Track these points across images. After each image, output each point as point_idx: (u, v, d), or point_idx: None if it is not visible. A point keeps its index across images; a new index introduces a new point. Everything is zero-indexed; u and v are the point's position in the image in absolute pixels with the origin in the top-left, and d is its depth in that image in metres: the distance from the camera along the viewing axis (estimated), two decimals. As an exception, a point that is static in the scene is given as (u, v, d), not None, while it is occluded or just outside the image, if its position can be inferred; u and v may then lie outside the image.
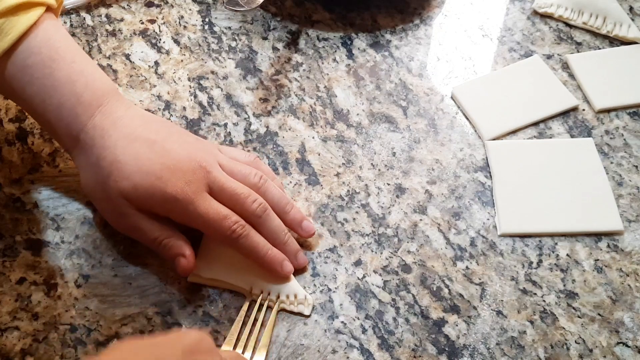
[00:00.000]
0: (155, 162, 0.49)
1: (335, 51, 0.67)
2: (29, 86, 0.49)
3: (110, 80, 0.53)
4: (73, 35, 0.66)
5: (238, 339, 0.48)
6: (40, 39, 0.49)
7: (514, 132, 0.61)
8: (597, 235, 0.55)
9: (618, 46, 0.68)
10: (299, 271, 0.52)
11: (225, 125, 0.61)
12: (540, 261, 0.54)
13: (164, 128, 0.52)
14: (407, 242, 0.54)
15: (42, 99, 0.49)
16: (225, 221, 0.49)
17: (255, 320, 0.49)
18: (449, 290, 0.52)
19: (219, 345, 0.48)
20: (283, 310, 0.50)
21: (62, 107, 0.49)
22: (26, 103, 0.51)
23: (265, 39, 0.67)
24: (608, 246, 0.55)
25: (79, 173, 0.56)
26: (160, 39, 0.66)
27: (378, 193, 0.57)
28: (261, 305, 0.50)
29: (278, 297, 0.50)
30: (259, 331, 0.49)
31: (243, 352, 0.48)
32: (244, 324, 0.49)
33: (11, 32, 0.48)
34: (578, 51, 0.68)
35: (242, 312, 0.50)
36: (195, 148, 0.51)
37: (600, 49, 0.68)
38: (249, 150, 0.59)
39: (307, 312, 0.50)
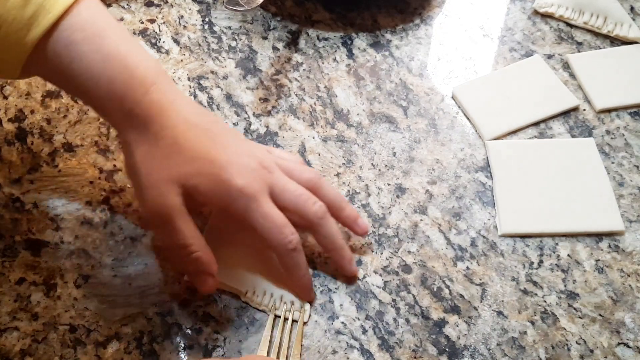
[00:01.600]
0: (219, 152, 0.48)
1: (336, 51, 0.67)
2: (76, 62, 0.47)
3: (158, 62, 0.51)
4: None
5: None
6: (83, 16, 0.47)
7: (514, 132, 0.61)
8: (598, 236, 0.55)
9: (619, 46, 0.68)
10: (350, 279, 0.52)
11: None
12: (541, 261, 0.54)
13: (217, 122, 0.51)
14: (408, 243, 0.54)
15: (92, 75, 0.47)
16: (285, 229, 0.48)
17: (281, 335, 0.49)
18: (450, 290, 0.52)
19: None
20: (278, 316, 0.50)
21: (115, 81, 0.47)
22: (72, 81, 0.48)
23: (265, 38, 0.67)
24: (609, 246, 0.55)
25: (79, 173, 0.56)
26: (160, 39, 0.66)
27: (378, 193, 0.57)
28: (278, 317, 0.50)
29: (274, 302, 0.50)
30: (288, 346, 0.49)
31: None
32: (270, 340, 0.49)
33: (52, 10, 0.46)
34: (579, 51, 0.67)
35: (267, 331, 0.49)
36: (252, 146, 0.51)
37: (601, 48, 0.68)
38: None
39: (304, 320, 0.50)
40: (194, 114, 0.49)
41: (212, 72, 0.64)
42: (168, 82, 0.50)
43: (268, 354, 0.48)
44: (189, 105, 0.50)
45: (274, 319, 0.50)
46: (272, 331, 0.49)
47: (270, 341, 0.49)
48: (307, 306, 0.50)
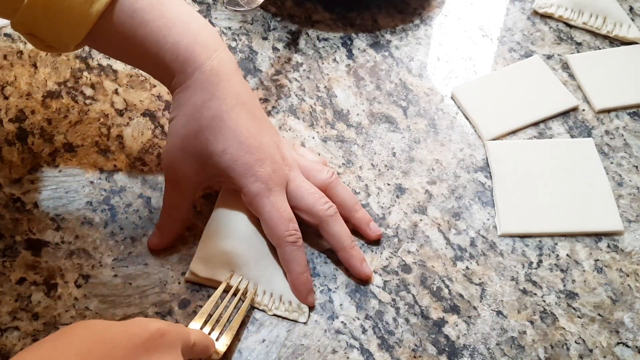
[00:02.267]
0: (253, 136, 0.50)
1: (335, 51, 0.67)
2: (141, 29, 0.49)
3: (216, 30, 0.52)
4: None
5: (210, 318, 0.48)
6: None
7: (514, 132, 0.61)
8: (597, 236, 0.55)
9: (618, 46, 0.68)
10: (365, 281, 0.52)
11: (225, 125, 0.61)
12: (540, 261, 0.54)
13: (260, 108, 0.53)
14: (407, 242, 0.54)
15: (156, 40, 0.49)
16: (288, 223, 0.50)
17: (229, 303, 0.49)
18: (449, 290, 0.52)
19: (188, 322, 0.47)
20: (277, 316, 0.50)
21: (179, 45, 0.49)
22: (136, 48, 0.49)
23: (265, 39, 0.67)
24: (608, 246, 0.55)
25: (78, 173, 0.56)
26: (160, 39, 0.66)
27: (378, 193, 0.57)
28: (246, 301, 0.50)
29: (273, 301, 0.50)
30: (230, 314, 0.49)
31: (210, 333, 0.47)
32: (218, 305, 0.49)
33: None
34: (578, 51, 0.68)
35: (218, 292, 0.49)
36: (282, 140, 0.53)
37: (600, 49, 0.68)
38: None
39: (302, 320, 0.50)
40: (244, 92, 0.51)
41: (212, 72, 0.64)
42: (228, 51, 0.51)
43: (204, 325, 0.48)
44: (243, 82, 0.51)
45: (221, 294, 0.50)
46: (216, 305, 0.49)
47: (211, 315, 0.48)
48: (305, 307, 0.50)
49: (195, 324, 0.47)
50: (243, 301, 0.50)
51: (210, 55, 0.49)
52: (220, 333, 0.48)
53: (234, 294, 0.50)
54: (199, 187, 0.54)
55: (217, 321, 0.48)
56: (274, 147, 0.51)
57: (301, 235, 0.50)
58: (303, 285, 0.50)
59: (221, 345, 0.47)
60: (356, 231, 0.54)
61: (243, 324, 0.49)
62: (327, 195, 0.52)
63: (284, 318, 0.50)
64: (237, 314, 0.49)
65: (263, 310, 0.50)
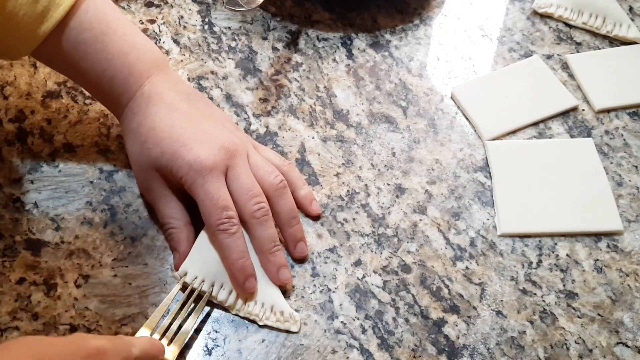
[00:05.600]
0: (187, 131, 0.50)
1: (335, 51, 0.67)
2: (82, 61, 0.51)
3: (160, 52, 0.55)
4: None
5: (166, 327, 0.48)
6: (91, 14, 0.51)
7: (513, 132, 0.61)
8: (597, 236, 0.55)
9: (618, 46, 0.68)
10: (283, 288, 0.51)
11: (225, 125, 0.61)
12: (540, 261, 0.54)
13: (208, 108, 0.54)
14: (407, 242, 0.54)
15: (96, 73, 0.51)
16: (221, 211, 0.49)
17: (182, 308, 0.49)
18: (449, 290, 0.52)
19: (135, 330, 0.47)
20: (268, 327, 0.49)
21: (115, 79, 0.51)
22: (80, 76, 0.53)
23: (265, 39, 0.67)
24: (608, 246, 0.55)
25: (78, 173, 0.56)
26: (160, 39, 0.66)
27: (378, 193, 0.57)
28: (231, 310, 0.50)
29: (264, 312, 0.50)
30: (183, 320, 0.48)
31: (161, 338, 0.47)
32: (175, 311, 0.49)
33: (63, 3, 0.49)
34: (578, 51, 0.68)
35: (171, 294, 0.49)
36: (230, 132, 0.53)
37: (600, 49, 0.68)
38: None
39: (294, 329, 0.49)
40: (181, 100, 0.52)
41: (212, 72, 0.64)
42: (165, 73, 0.53)
43: (159, 323, 0.48)
44: (182, 94, 0.53)
45: (182, 292, 0.50)
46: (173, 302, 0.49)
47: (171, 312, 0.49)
48: (297, 316, 0.50)
49: (144, 331, 0.47)
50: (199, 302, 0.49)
51: (142, 83, 0.52)
52: (171, 339, 0.47)
53: (189, 295, 0.49)
54: (176, 189, 0.52)
55: (172, 326, 0.48)
56: (213, 137, 0.51)
57: (238, 221, 0.49)
58: (238, 272, 0.49)
59: (170, 354, 0.46)
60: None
61: (240, 323, 0.49)
62: (270, 201, 0.51)
63: (274, 329, 0.49)
64: (191, 318, 0.48)
65: (253, 321, 0.50)
